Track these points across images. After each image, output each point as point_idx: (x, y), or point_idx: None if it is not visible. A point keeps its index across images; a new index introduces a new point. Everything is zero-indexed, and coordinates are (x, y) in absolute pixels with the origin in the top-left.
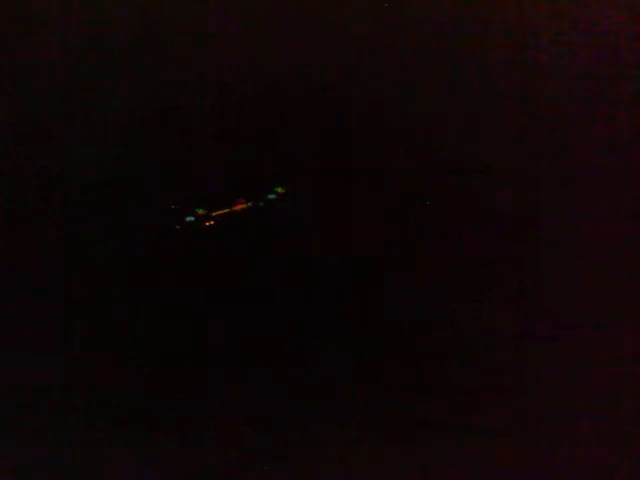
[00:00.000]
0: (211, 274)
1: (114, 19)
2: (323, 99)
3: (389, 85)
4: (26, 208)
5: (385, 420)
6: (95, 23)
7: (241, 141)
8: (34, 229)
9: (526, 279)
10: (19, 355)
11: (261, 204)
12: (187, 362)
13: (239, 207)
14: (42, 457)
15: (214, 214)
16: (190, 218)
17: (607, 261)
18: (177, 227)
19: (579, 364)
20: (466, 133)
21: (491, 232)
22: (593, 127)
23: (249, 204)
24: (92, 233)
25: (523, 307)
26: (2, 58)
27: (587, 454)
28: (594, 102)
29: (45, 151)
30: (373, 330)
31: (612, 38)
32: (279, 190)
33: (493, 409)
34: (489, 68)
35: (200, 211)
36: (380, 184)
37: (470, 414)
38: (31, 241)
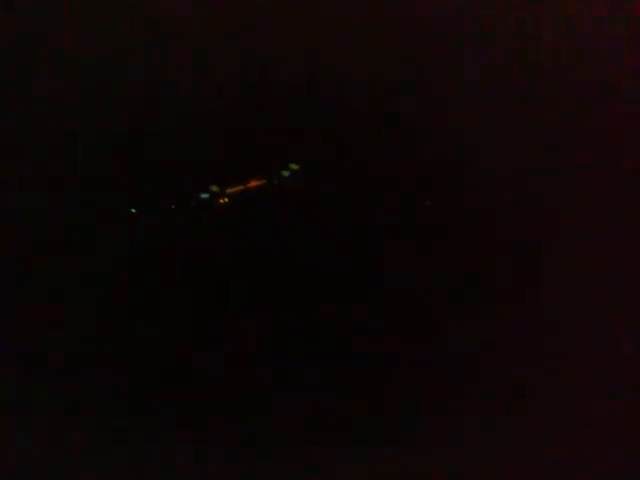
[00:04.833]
0: (224, 252)
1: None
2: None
3: (389, 80)
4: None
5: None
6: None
7: (256, 117)
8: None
9: (526, 279)
10: (19, 354)
11: (275, 181)
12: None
13: (253, 184)
14: (41, 458)
15: (228, 191)
16: (204, 195)
17: (608, 260)
18: (192, 204)
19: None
20: (466, 130)
21: (491, 231)
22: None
23: (263, 181)
24: (102, 217)
25: (523, 307)
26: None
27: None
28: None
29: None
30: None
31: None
32: (293, 167)
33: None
34: (489, 66)
35: (214, 188)
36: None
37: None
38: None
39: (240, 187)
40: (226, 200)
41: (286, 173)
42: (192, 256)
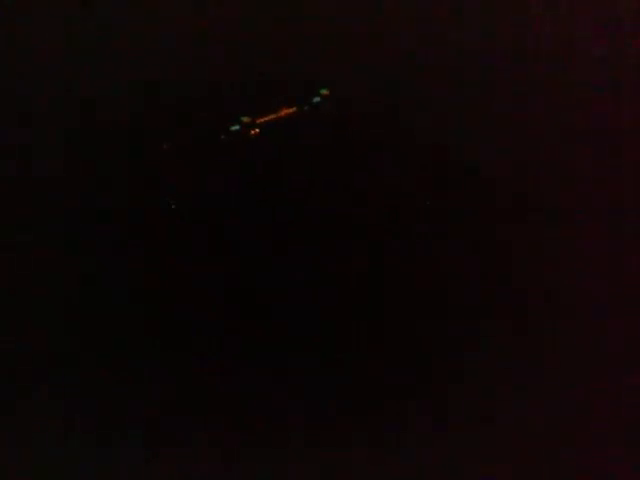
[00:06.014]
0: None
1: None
2: None
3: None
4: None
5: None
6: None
7: (282, 44)
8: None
9: (525, 279)
10: (18, 355)
11: (306, 108)
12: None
13: (284, 112)
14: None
15: (259, 121)
16: (235, 127)
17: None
18: (222, 137)
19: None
20: (466, 128)
21: (491, 230)
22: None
23: (294, 108)
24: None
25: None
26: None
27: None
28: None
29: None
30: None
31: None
32: (324, 92)
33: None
34: (489, 64)
35: (245, 119)
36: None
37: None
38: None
39: (271, 116)
40: (257, 131)
41: (317, 99)
42: (227, 190)
